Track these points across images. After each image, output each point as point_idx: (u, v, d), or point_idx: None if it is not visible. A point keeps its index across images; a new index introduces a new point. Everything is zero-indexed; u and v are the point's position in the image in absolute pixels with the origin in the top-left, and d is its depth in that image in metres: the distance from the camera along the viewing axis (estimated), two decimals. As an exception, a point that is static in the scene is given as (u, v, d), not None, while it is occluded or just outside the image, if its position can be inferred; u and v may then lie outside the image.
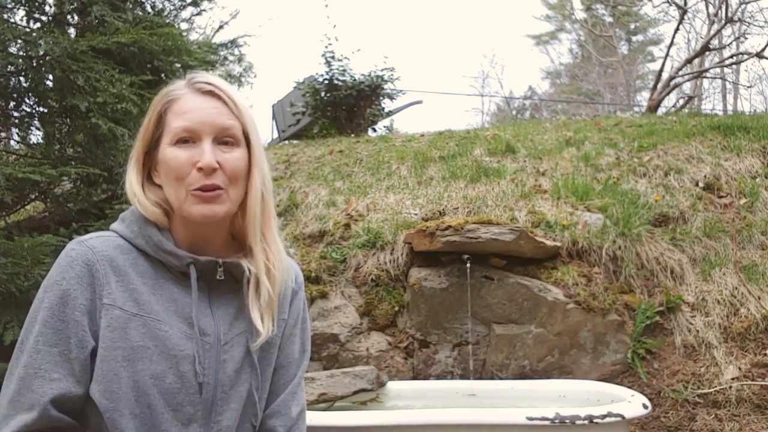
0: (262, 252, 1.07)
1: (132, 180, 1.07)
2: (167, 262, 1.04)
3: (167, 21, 4.28)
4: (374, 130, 8.60)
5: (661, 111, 8.91)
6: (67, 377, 0.96)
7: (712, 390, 3.11)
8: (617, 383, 3.16)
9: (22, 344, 0.98)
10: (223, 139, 1.03)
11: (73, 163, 3.63)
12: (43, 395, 0.94)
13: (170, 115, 1.04)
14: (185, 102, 1.04)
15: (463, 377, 3.38)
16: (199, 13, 4.98)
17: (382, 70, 7.82)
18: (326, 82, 7.63)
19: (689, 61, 9.64)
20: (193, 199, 1.01)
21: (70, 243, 1.03)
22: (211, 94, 1.04)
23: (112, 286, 0.99)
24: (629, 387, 3.09)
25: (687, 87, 11.71)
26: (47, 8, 3.86)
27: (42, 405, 0.94)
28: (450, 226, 3.30)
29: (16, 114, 3.69)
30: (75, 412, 0.98)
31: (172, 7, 4.51)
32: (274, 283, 1.08)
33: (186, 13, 4.88)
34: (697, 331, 3.37)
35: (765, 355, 3.19)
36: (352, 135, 7.29)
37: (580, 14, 18.83)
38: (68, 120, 3.66)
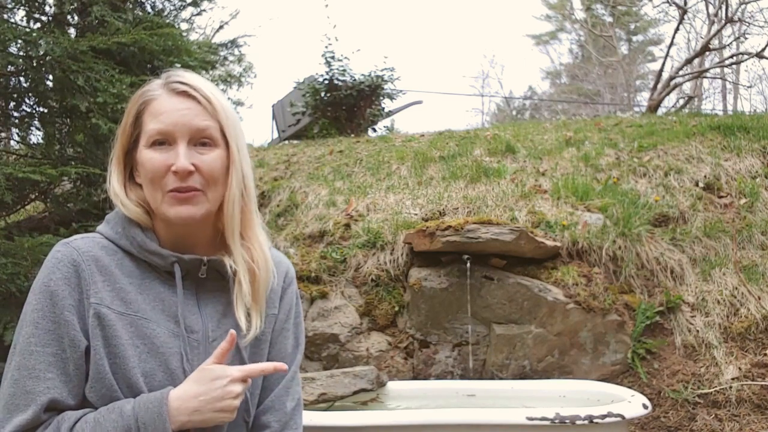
0: (242, 251, 1.07)
1: (114, 180, 1.07)
2: (152, 262, 1.04)
3: (167, 21, 4.28)
4: (374, 130, 8.61)
5: (661, 111, 8.92)
6: (61, 376, 0.96)
7: (712, 390, 3.11)
8: (617, 383, 3.16)
9: (15, 347, 0.98)
10: (199, 140, 1.02)
11: (73, 163, 3.63)
12: (38, 395, 0.94)
13: (146, 116, 1.03)
14: (160, 103, 1.03)
15: (463, 377, 3.38)
16: (199, 13, 4.99)
17: (382, 70, 7.83)
18: (326, 82, 7.63)
19: (689, 61, 9.65)
20: (169, 201, 1.01)
21: (56, 245, 1.03)
22: (185, 94, 1.03)
23: (98, 285, 0.99)
24: (629, 387, 3.08)
25: (687, 87, 11.72)
26: (47, 8, 3.87)
27: (37, 405, 0.94)
28: (450, 226, 3.30)
29: (16, 114, 3.69)
30: None
31: (172, 7, 4.52)
32: (257, 282, 1.08)
33: (186, 13, 4.90)
34: (697, 331, 3.37)
35: (765, 355, 3.19)
36: (352, 135, 7.29)
37: (580, 14, 18.82)
38: (68, 120, 3.67)
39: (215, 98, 1.04)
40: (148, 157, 1.01)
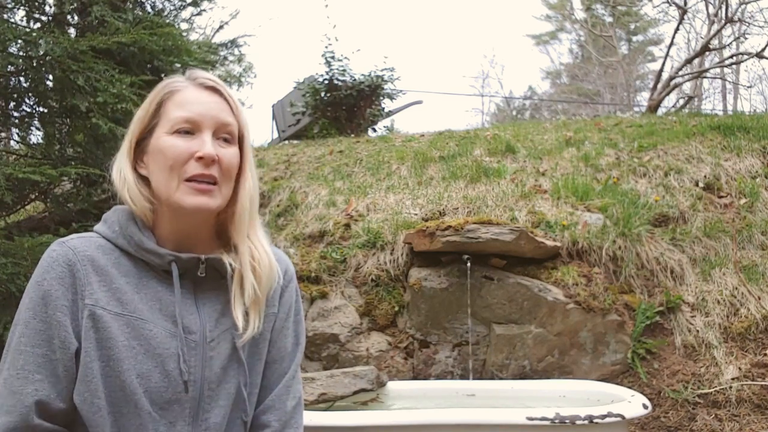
0: (247, 251, 1.08)
1: (124, 167, 1.06)
2: (149, 261, 1.04)
3: (167, 21, 4.29)
4: (374, 130, 8.61)
5: (661, 111, 8.92)
6: (50, 378, 0.95)
7: (712, 390, 3.11)
8: (617, 383, 3.16)
9: (7, 346, 0.98)
10: (221, 134, 1.05)
11: (73, 163, 3.63)
12: (25, 396, 0.94)
13: (170, 105, 1.04)
14: (187, 94, 1.05)
15: (463, 377, 3.38)
16: (199, 13, 5.00)
17: (382, 70, 7.83)
18: (326, 82, 7.63)
19: (689, 61, 9.65)
20: (186, 190, 1.01)
21: (52, 244, 1.03)
22: (213, 89, 1.06)
23: (93, 286, 0.99)
24: (629, 387, 3.08)
25: (687, 87, 11.71)
26: (47, 8, 3.87)
27: (24, 407, 0.93)
28: (450, 226, 3.30)
29: (16, 114, 3.69)
30: (60, 418, 0.98)
31: (172, 7, 4.52)
32: (260, 282, 1.08)
33: (186, 13, 4.90)
34: (697, 331, 3.37)
35: (765, 355, 3.19)
36: (352, 135, 7.29)
37: (580, 14, 18.81)
38: (68, 120, 3.67)
39: (237, 99, 1.08)
40: (171, 143, 1.02)
